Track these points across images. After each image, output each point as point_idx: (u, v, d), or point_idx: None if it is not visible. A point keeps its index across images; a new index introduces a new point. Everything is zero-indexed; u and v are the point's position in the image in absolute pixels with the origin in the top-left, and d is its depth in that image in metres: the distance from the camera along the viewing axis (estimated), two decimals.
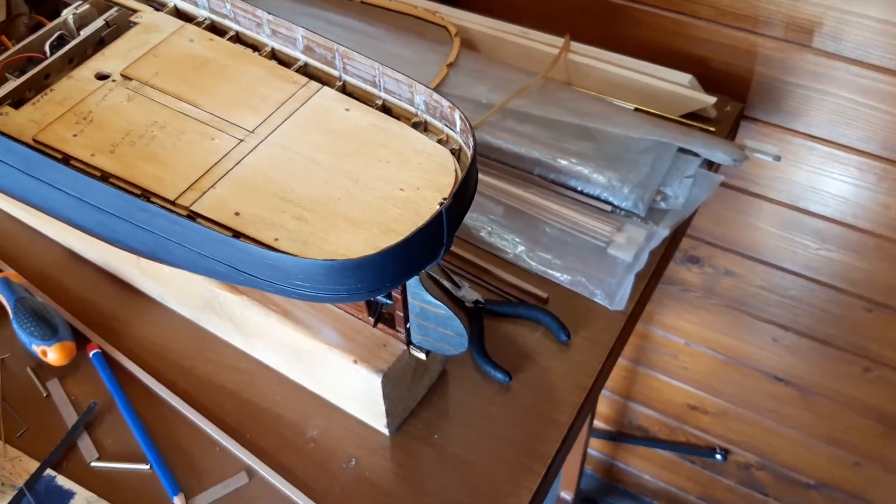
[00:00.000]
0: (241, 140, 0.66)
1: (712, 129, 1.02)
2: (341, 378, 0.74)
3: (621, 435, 1.79)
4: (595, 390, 0.81)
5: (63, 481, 0.74)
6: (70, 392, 0.81)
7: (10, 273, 0.89)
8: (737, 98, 1.09)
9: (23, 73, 0.75)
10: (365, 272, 0.55)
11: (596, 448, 1.89)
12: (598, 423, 1.82)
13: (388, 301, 0.68)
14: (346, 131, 0.66)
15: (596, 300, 0.86)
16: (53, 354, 0.80)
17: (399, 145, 0.64)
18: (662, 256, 0.91)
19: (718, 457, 1.64)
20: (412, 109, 0.68)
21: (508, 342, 0.83)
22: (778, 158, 0.98)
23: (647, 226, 0.91)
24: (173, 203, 0.62)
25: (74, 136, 0.67)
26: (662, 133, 0.95)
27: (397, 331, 0.71)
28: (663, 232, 0.90)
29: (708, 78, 1.08)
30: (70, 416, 0.79)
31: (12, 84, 0.73)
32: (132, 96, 0.70)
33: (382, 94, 0.69)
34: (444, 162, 0.63)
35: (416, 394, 0.78)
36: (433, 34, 1.14)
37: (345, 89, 0.71)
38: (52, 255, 0.93)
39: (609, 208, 0.93)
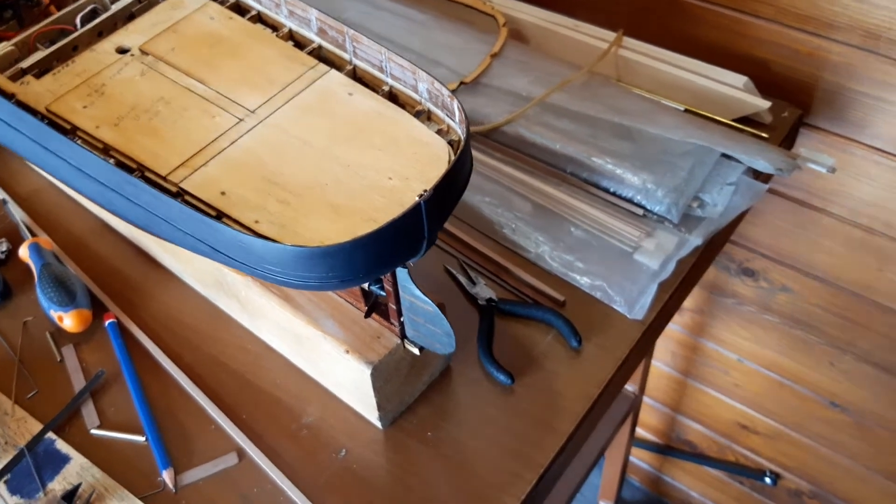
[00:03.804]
0: (241, 119, 0.65)
1: (765, 135, 0.96)
2: (336, 367, 0.73)
3: (668, 448, 1.73)
4: (602, 401, 0.77)
5: (62, 445, 0.75)
6: (83, 359, 0.82)
7: (43, 239, 0.91)
8: (798, 104, 1.02)
9: (54, 44, 0.77)
10: (334, 261, 0.53)
11: (643, 459, 1.83)
12: (645, 434, 1.76)
13: (382, 292, 0.67)
14: (345, 116, 0.64)
15: (615, 307, 0.83)
16: (69, 321, 0.82)
17: (396, 133, 0.62)
18: (693, 267, 0.87)
19: (768, 480, 1.56)
20: (416, 97, 0.66)
21: (517, 344, 0.81)
22: (833, 170, 0.92)
23: (679, 233, 0.87)
24: (164, 178, 0.62)
25: (84, 107, 0.68)
26: (704, 136, 0.90)
27: (392, 323, 0.69)
28: (695, 241, 0.86)
29: (768, 82, 1.02)
30: (79, 383, 0.80)
31: (40, 55, 0.75)
32: (145, 71, 0.70)
33: (389, 80, 0.67)
34: (439, 153, 0.61)
35: (413, 389, 0.76)
36: (483, 23, 1.11)
37: (355, 74, 0.70)
38: (87, 223, 0.95)
39: (641, 212, 0.89)
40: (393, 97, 0.68)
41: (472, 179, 0.94)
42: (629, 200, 0.90)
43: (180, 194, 0.61)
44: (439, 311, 0.62)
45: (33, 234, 0.93)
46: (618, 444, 1.54)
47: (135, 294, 0.88)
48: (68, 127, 0.67)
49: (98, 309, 0.86)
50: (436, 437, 0.74)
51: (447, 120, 0.64)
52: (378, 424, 0.74)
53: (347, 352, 0.69)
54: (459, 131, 0.62)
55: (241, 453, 0.74)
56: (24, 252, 0.89)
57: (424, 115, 0.65)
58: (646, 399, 1.66)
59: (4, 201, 0.97)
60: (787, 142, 1.00)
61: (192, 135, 0.64)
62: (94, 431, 0.76)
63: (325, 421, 0.76)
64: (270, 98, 0.66)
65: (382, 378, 0.70)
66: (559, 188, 0.92)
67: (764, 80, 0.99)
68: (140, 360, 0.82)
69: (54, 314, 0.83)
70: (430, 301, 0.62)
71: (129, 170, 0.63)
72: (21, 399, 0.79)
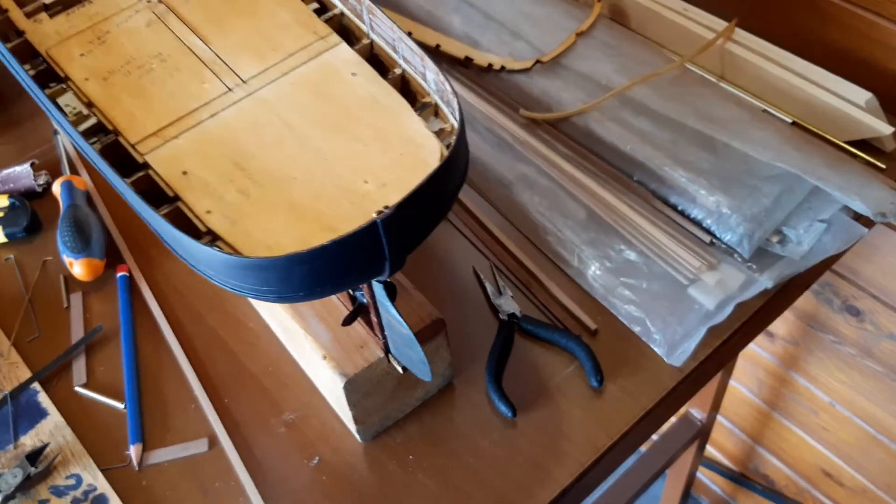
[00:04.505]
0: (230, 89, 0.58)
1: (882, 165, 0.81)
2: (319, 367, 0.66)
3: (744, 477, 1.58)
4: (613, 455, 0.67)
5: (43, 398, 0.73)
6: (89, 309, 0.80)
7: (78, 178, 0.89)
8: None
9: None
10: (268, 275, 0.46)
11: (716, 482, 1.69)
12: (720, 458, 1.62)
13: (364, 300, 0.59)
14: (339, 99, 0.56)
15: (653, 347, 0.72)
16: (79, 268, 0.79)
17: (388, 127, 0.54)
18: (756, 314, 0.74)
19: None
20: (425, 87, 0.57)
21: (533, 370, 0.72)
22: None
23: (747, 270, 0.74)
24: (133, 147, 0.56)
25: (81, 55, 0.63)
26: (798, 160, 0.76)
27: (377, 335, 0.62)
28: (764, 282, 0.73)
29: None
30: (78, 334, 0.78)
31: None
32: (153, 22, 0.64)
33: (402, 63, 0.59)
34: (429, 158, 0.52)
35: (402, 405, 0.68)
36: None
37: (372, 49, 0.61)
38: None
39: (708, 239, 0.77)
40: (405, 83, 0.59)
41: (525, 172, 0.85)
42: (697, 223, 0.78)
43: (145, 167, 0.55)
44: (413, 337, 0.54)
45: (74, 171, 0.91)
46: (680, 466, 1.42)
47: (154, 248, 0.84)
48: (62, 75, 0.62)
49: (114, 258, 0.83)
50: (417, 463, 0.67)
51: (451, 119, 0.55)
52: (357, 437, 0.68)
53: (325, 358, 0.62)
54: (455, 132, 0.53)
55: (213, 441, 0.70)
56: (56, 188, 0.87)
57: (431, 110, 0.56)
58: (725, 422, 1.52)
59: (56, 132, 0.95)
60: None
61: (176, 100, 0.58)
62: (78, 389, 0.74)
63: (305, 421, 0.70)
64: (267, 68, 0.59)
65: (360, 392, 0.63)
66: (620, 197, 0.81)
67: (893, 100, 0.83)
68: (142, 321, 0.78)
69: (66, 259, 0.80)
70: (405, 324, 0.54)
71: (106, 132, 0.58)
72: (21, 342, 0.78)
